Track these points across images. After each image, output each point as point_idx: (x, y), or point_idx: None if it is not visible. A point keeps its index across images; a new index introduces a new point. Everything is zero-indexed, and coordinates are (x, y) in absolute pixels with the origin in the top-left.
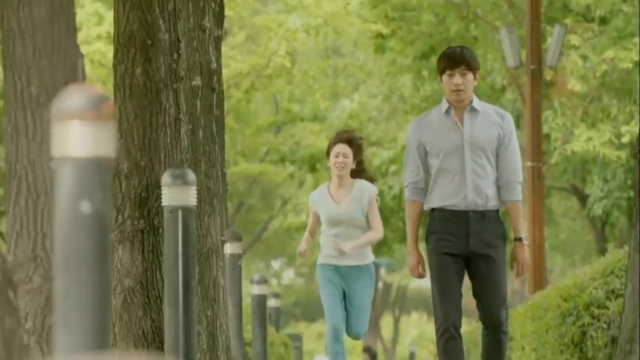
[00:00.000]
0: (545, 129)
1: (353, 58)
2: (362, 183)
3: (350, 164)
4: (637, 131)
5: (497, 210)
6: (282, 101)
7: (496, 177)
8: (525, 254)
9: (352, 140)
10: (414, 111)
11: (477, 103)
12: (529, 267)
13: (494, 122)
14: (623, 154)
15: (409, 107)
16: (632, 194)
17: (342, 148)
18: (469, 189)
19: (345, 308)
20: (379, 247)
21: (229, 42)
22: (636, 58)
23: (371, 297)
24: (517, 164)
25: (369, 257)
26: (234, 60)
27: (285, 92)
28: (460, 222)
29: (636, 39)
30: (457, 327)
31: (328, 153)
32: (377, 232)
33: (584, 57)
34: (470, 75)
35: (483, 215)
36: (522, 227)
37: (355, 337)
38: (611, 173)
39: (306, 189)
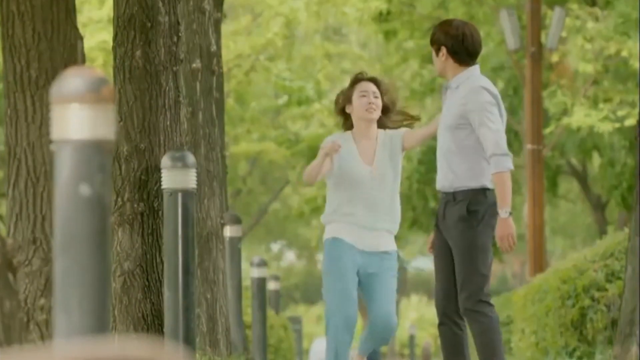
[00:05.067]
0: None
1: (353, 41)
2: (386, 131)
3: (381, 106)
4: (637, 115)
5: (472, 191)
6: (281, 88)
7: (475, 155)
8: (504, 228)
9: (377, 80)
10: (415, 97)
11: (455, 79)
12: (530, 249)
13: (459, 100)
14: (619, 125)
15: (409, 92)
16: None
17: (369, 86)
18: (439, 169)
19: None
20: None
21: (230, 25)
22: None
23: (396, 281)
24: (488, 138)
25: (394, 243)
26: (235, 42)
27: (285, 71)
28: (440, 205)
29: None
30: (448, 312)
31: (348, 98)
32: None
33: (588, 39)
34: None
35: (454, 196)
36: (503, 200)
37: (388, 324)
38: (618, 159)
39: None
